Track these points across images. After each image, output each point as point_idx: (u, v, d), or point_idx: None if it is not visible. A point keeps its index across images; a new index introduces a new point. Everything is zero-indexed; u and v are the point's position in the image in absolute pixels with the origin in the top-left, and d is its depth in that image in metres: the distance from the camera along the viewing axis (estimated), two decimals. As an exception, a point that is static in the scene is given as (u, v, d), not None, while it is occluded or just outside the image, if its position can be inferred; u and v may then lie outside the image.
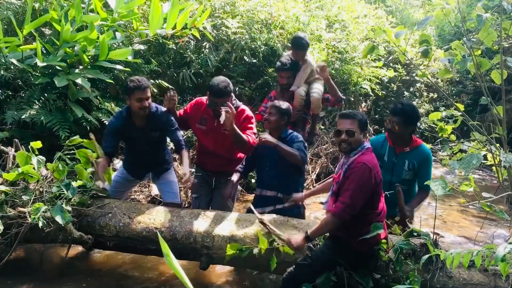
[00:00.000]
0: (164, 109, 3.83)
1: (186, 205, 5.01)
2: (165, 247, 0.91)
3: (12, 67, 4.70)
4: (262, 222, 3.23)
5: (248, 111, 3.85)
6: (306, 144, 3.94)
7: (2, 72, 4.65)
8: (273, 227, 3.20)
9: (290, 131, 3.85)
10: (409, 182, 3.59)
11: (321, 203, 5.31)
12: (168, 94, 3.79)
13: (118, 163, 4.88)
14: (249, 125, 3.75)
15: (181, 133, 3.93)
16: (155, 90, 5.84)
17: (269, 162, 3.80)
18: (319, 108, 4.53)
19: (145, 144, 3.86)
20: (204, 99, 3.92)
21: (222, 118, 3.40)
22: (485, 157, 3.06)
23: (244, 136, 3.60)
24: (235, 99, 3.80)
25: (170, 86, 6.09)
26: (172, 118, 3.84)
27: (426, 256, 2.72)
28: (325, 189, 3.63)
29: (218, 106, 3.53)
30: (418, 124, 9.63)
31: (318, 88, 4.52)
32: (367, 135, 3.06)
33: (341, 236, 2.96)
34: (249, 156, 3.93)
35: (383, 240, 2.99)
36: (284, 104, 3.80)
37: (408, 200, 3.52)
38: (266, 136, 3.57)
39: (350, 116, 2.97)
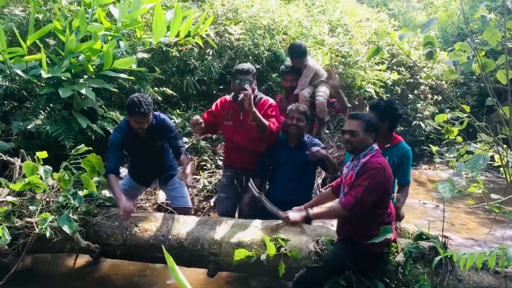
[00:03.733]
0: (163, 115, 3.84)
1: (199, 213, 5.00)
2: (170, 260, 0.89)
3: (17, 78, 4.73)
4: (260, 198, 3.46)
5: (271, 100, 3.97)
6: None
7: (7, 83, 4.68)
8: (271, 205, 3.39)
9: (307, 135, 3.94)
10: None
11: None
12: (194, 121, 3.74)
13: (124, 171, 4.88)
14: (273, 113, 3.87)
15: (181, 140, 3.94)
16: (159, 98, 5.85)
17: (287, 165, 3.83)
18: (324, 112, 4.52)
19: (149, 153, 3.86)
20: (227, 97, 4.04)
21: (241, 96, 3.55)
22: (492, 158, 3.04)
23: (265, 121, 3.71)
24: (258, 92, 3.97)
25: (175, 94, 6.12)
26: (172, 124, 3.86)
27: (438, 258, 2.70)
28: (321, 201, 3.63)
29: (243, 82, 3.71)
30: (416, 123, 9.71)
31: (323, 91, 4.50)
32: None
33: (353, 237, 2.96)
34: (265, 160, 3.97)
35: (393, 243, 2.97)
36: (306, 108, 3.90)
37: None
38: (319, 149, 3.61)
39: (356, 117, 3.00)
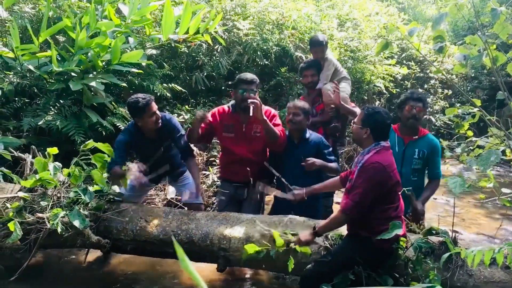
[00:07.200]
0: (169, 115, 3.84)
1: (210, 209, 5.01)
2: (180, 252, 0.90)
3: (28, 75, 4.77)
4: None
5: (273, 111, 3.85)
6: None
7: (18, 80, 4.72)
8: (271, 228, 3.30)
9: (310, 132, 3.86)
10: (419, 172, 3.61)
11: (338, 203, 5.28)
12: (201, 115, 3.63)
13: (134, 167, 4.91)
14: (276, 122, 3.74)
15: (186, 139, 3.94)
16: (168, 94, 5.87)
17: (293, 162, 3.76)
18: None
19: (157, 153, 3.86)
20: (225, 107, 3.87)
21: (252, 110, 3.40)
22: (503, 152, 3.01)
23: (275, 128, 3.59)
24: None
25: (183, 90, 6.13)
26: (178, 124, 3.86)
27: (447, 254, 2.68)
28: (327, 187, 3.61)
29: (247, 93, 3.56)
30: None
31: (345, 88, 4.44)
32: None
33: (361, 233, 2.94)
34: (270, 160, 3.87)
35: (402, 238, 2.96)
36: (305, 104, 3.83)
37: (418, 191, 3.52)
38: (315, 160, 3.60)
39: (363, 109, 3.02)
